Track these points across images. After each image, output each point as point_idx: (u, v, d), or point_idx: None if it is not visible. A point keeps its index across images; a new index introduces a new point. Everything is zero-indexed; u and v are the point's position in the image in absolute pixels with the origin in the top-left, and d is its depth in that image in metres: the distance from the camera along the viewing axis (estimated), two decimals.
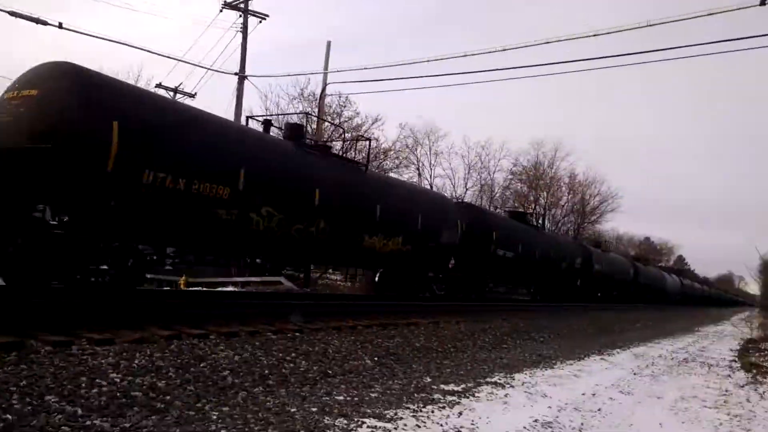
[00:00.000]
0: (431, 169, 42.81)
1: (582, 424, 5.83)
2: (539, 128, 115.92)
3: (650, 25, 15.86)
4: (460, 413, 5.72)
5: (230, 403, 5.18)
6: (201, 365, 5.99)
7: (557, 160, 49.13)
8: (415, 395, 6.29)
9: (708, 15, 14.31)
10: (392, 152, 33.66)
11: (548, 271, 28.26)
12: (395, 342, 9.18)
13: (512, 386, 7.37)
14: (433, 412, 5.68)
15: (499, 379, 7.74)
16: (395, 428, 5.00)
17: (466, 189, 43.99)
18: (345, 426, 4.88)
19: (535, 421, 5.75)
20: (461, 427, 5.26)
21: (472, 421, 5.50)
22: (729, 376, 10.24)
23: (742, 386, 9.06)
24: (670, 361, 11.99)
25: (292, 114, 27.75)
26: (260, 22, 25.97)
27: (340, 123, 28.90)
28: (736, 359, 13.44)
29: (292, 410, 5.18)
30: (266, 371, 6.29)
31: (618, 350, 12.91)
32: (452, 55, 20.37)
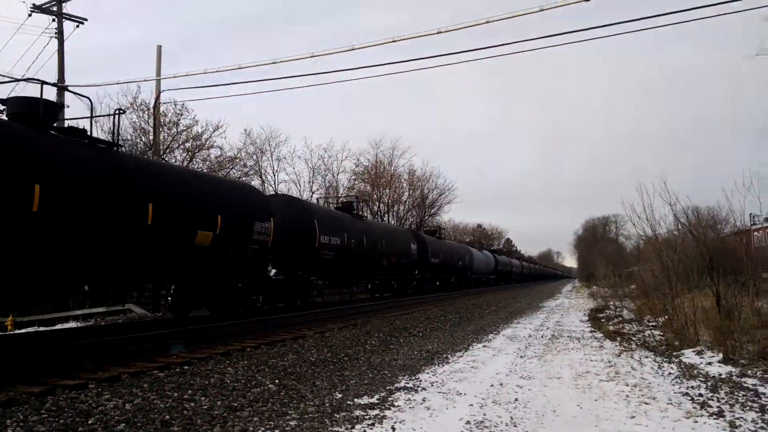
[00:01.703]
0: (275, 175, 41.89)
1: (511, 417, 5.78)
2: (379, 126, 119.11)
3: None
4: (393, 428, 5.40)
5: None
6: (90, 422, 5.05)
7: (396, 158, 50.52)
8: (336, 416, 5.86)
9: (539, 11, 15.24)
10: (238, 160, 32.29)
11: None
12: (290, 360, 8.61)
13: (424, 389, 7.19)
14: (365, 430, 5.30)
15: (407, 383, 7.54)
16: None
17: (312, 192, 43.63)
18: None
19: (467, 423, 5.59)
20: None
21: None
22: (601, 347, 10.98)
23: (619, 355, 9.73)
24: (542, 339, 12.64)
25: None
26: (77, 27, 23.57)
27: (178, 132, 27.13)
28: (594, 329, 14.57)
29: None
30: (167, 416, 5.48)
31: (491, 335, 13.39)
32: (296, 57, 19.90)
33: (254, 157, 37.71)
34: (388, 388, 7.25)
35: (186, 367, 7.50)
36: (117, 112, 11.89)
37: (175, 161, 27.26)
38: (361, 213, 26.69)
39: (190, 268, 12.72)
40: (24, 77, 21.02)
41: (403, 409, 6.14)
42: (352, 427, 5.42)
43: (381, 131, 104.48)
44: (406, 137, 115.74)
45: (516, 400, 6.59)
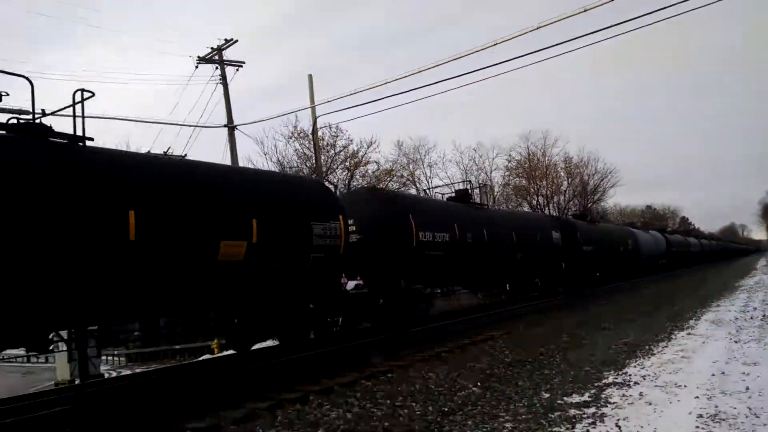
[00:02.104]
0: (428, 181, 42.36)
1: (749, 408, 5.25)
2: (527, 120, 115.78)
3: None
4: (618, 425, 5.13)
5: None
6: None
7: (548, 147, 48.83)
8: (551, 415, 5.70)
9: None
10: (394, 172, 33.14)
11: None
12: (486, 362, 8.57)
13: (637, 383, 6.79)
14: (588, 430, 5.09)
15: (616, 378, 7.17)
16: None
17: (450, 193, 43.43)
18: None
19: (699, 416, 5.17)
20: None
21: (638, 431, 4.91)
22: None
23: None
24: (753, 321, 11.45)
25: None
26: (237, 70, 25.58)
27: (336, 153, 28.46)
28: None
29: None
30: (386, 423, 5.67)
31: (691, 321, 12.39)
32: (444, 61, 19.98)
33: (409, 167, 38.42)
34: (595, 384, 6.95)
35: (390, 375, 7.75)
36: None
37: (337, 180, 28.60)
38: (481, 202, 21.26)
39: (214, 291, 9.43)
40: (200, 124, 23.24)
41: (621, 406, 5.83)
42: (572, 427, 5.24)
43: (529, 125, 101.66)
44: (557, 127, 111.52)
45: (747, 389, 5.99)
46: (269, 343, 12.58)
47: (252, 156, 52.40)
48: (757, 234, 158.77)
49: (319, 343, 11.15)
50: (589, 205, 50.64)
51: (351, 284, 13.52)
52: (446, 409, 6.17)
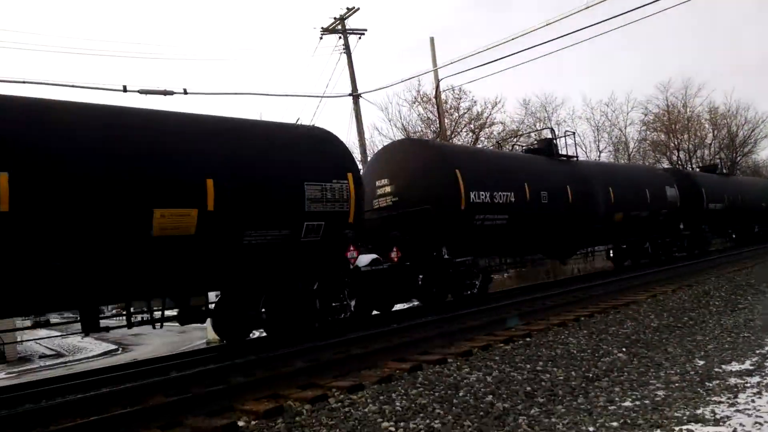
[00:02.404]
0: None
1: None
2: (664, 70, 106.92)
3: None
4: None
5: None
6: (460, 394, 5.37)
7: (690, 98, 45.05)
8: (708, 384, 5.31)
9: None
10: (521, 132, 32.22)
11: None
12: (630, 327, 8.17)
13: None
14: (753, 401, 4.69)
15: None
16: (734, 431, 4.08)
17: (600, 152, 41.38)
18: None
19: None
20: None
21: None
22: None
23: None
24: None
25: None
26: (360, 38, 25.81)
27: (460, 116, 28.10)
28: None
29: (591, 430, 4.42)
30: (528, 388, 5.57)
31: None
32: (567, 14, 18.93)
33: (536, 126, 37.13)
34: (758, 352, 6.39)
35: (528, 339, 7.62)
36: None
37: (461, 142, 28.28)
38: (568, 153, 17.83)
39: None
40: (326, 94, 23.82)
41: None
42: (735, 397, 4.84)
43: (668, 73, 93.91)
44: (699, 75, 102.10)
45: None
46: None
47: (377, 123, 53.05)
48: None
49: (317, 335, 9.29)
50: (738, 158, 46.44)
51: (365, 259, 11.09)
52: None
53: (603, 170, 19.74)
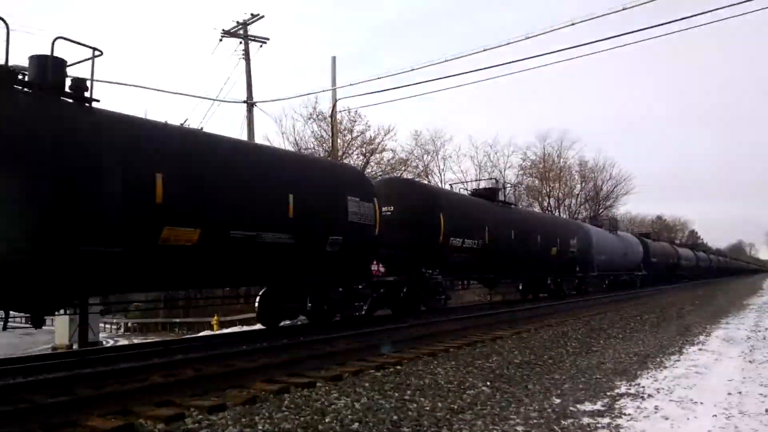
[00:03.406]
0: (441, 174, 42.17)
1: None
2: (543, 121, 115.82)
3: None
4: None
5: None
6: (326, 420, 5.23)
7: (564, 149, 48.57)
8: (563, 422, 5.55)
9: None
10: (409, 162, 32.95)
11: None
12: (495, 361, 8.42)
13: (651, 395, 6.63)
14: None
15: (629, 389, 7.01)
16: None
17: (478, 189, 43.18)
18: None
19: None
20: None
21: None
22: None
23: None
24: (765, 341, 11.27)
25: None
26: (261, 46, 25.41)
27: (353, 138, 28.28)
28: None
29: None
30: (394, 416, 5.53)
31: (701, 336, 12.22)
32: (465, 54, 19.76)
33: (424, 158, 38.21)
34: (608, 393, 6.79)
35: (398, 367, 7.63)
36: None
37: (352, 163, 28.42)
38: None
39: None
40: (219, 98, 23.09)
41: (636, 418, 5.67)
42: None
43: (547, 124, 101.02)
44: (575, 128, 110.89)
45: (767, 411, 5.81)
46: None
47: (270, 134, 52.05)
48: (765, 254, 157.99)
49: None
50: (601, 211, 50.34)
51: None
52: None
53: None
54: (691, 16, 15.79)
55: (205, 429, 4.79)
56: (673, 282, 45.04)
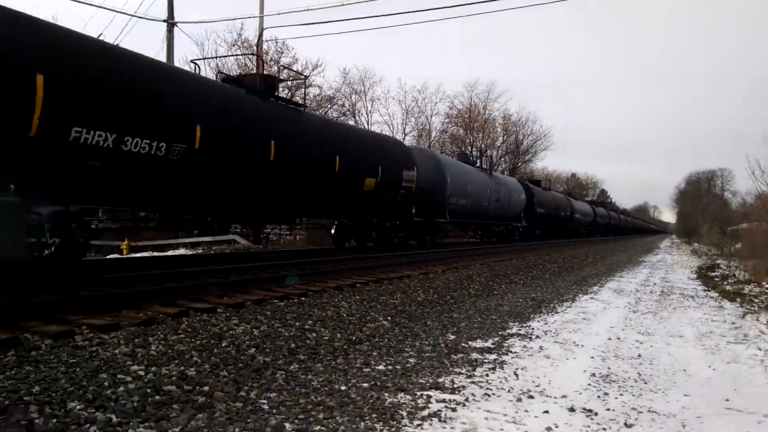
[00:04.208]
0: (368, 115, 41.88)
1: (639, 373, 5.55)
2: (473, 70, 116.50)
3: None
4: (516, 373, 5.31)
5: (273, 386, 4.52)
6: (223, 344, 5.26)
7: (490, 102, 49.20)
8: (453, 357, 5.84)
9: None
10: (336, 100, 32.42)
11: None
12: (399, 298, 8.67)
13: (538, 337, 7.05)
14: (487, 375, 5.23)
15: (519, 330, 7.43)
16: (465, 399, 4.51)
17: (405, 134, 43.40)
18: (413, 403, 4.34)
19: (593, 375, 5.41)
20: (528, 390, 4.84)
21: (533, 381, 5.10)
22: (720, 307, 10.38)
23: (743, 317, 9.15)
24: (651, 294, 12.12)
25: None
26: None
27: (278, 70, 27.38)
28: (707, 288, 13.82)
29: (342, 388, 4.60)
30: (292, 344, 5.64)
31: (596, 287, 12.99)
32: None
33: (351, 97, 37.71)
34: (499, 333, 7.17)
35: (303, 299, 7.72)
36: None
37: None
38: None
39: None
40: (138, 14, 21.68)
41: (521, 356, 6.03)
42: (473, 370, 5.37)
43: (476, 74, 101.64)
44: (503, 80, 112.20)
45: (639, 356, 6.32)
46: None
47: (189, 57, 49.62)
48: (666, 216, 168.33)
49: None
50: (519, 164, 51.77)
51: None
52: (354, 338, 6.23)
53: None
54: None
55: (96, 347, 4.71)
56: (563, 237, 41.65)
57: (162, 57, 22.70)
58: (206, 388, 4.28)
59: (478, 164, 28.78)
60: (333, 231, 18.45)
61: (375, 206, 16.83)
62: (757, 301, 11.00)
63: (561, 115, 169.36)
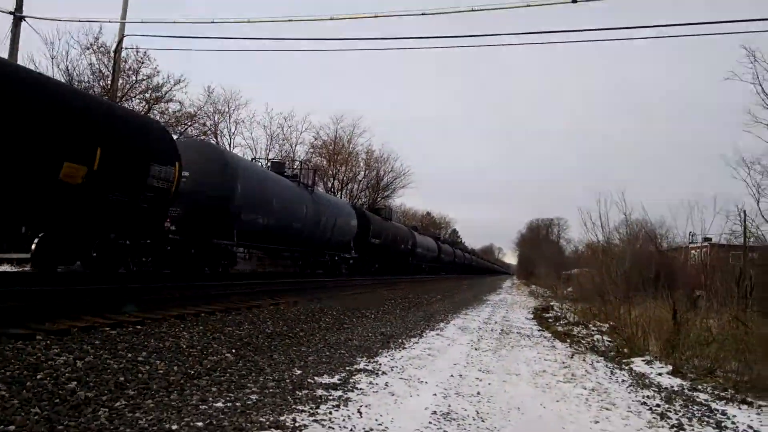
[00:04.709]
0: (231, 138, 40.86)
1: (477, 411, 5.69)
2: (341, 103, 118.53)
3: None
4: (359, 411, 5.23)
5: (91, 426, 4.07)
6: (38, 377, 4.68)
7: (355, 136, 50.10)
8: (298, 393, 5.65)
9: (525, 6, 15.13)
10: (197, 118, 31.24)
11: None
12: (246, 330, 8.32)
13: (385, 373, 7.06)
14: (331, 413, 5.10)
15: (367, 365, 7.40)
16: None
17: (268, 160, 42.72)
18: None
19: (433, 413, 5.47)
20: (371, 429, 4.78)
21: (377, 419, 5.05)
22: (553, 347, 11.09)
23: (572, 357, 9.83)
24: (492, 333, 12.71)
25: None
26: None
27: (137, 81, 25.94)
28: (541, 329, 14.77)
29: (173, 428, 4.25)
30: (121, 378, 5.15)
31: (442, 323, 13.40)
32: (273, 19, 19.24)
33: (214, 117, 36.60)
34: (347, 368, 7.09)
35: (139, 327, 7.13)
36: None
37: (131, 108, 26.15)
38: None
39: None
40: None
41: (366, 393, 5.97)
42: (317, 407, 5.22)
43: (342, 108, 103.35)
44: (367, 117, 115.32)
45: (478, 393, 6.52)
46: None
47: (37, 56, 45.76)
48: (509, 258, 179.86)
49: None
50: (379, 199, 52.94)
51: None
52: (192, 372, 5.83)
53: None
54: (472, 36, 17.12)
55: None
56: (402, 273, 39.08)
57: (4, 52, 20.63)
58: (12, 427, 3.75)
59: (299, 179, 22.71)
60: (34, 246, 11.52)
61: (91, 212, 10.68)
62: (584, 342, 11.93)
63: (421, 155, 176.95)
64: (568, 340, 11.90)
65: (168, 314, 8.13)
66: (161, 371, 5.63)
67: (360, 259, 29.42)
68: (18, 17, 20.60)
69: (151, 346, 6.32)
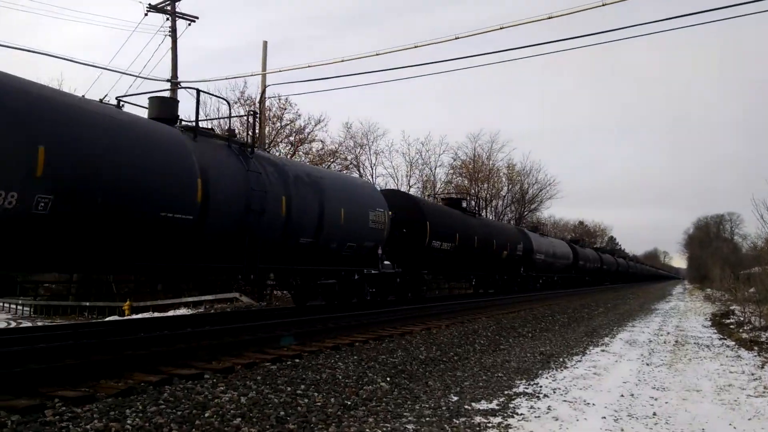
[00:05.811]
0: (373, 168, 42.05)
1: None
2: (477, 121, 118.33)
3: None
4: None
5: None
6: (206, 415, 4.92)
7: (494, 152, 49.37)
8: (455, 421, 5.45)
9: None
10: (339, 153, 32.60)
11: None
12: (399, 357, 8.29)
13: (546, 396, 6.65)
14: None
15: (526, 388, 7.02)
16: None
17: (409, 186, 43.45)
18: None
19: None
20: None
21: None
22: (738, 356, 9.92)
23: (762, 367, 8.70)
24: (665, 345, 11.65)
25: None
26: (189, 24, 24.47)
27: (282, 126, 27.65)
28: (723, 337, 13.32)
29: None
30: (281, 412, 5.28)
31: (607, 338, 12.52)
32: (398, 48, 19.57)
33: (354, 151, 37.93)
34: (506, 392, 6.77)
35: (297, 360, 7.36)
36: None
37: (279, 154, 27.85)
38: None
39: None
40: (142, 75, 22.04)
41: (528, 418, 5.64)
42: None
43: (480, 125, 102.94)
44: (506, 132, 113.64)
45: (654, 414, 5.91)
46: None
47: (191, 116, 50.36)
48: (677, 262, 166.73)
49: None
50: (525, 213, 51.55)
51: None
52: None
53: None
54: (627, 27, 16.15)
55: (67, 422, 4.39)
56: (568, 286, 42.32)
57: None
58: None
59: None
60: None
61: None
62: None
63: (567, 163, 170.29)
64: (756, 348, 10.57)
65: (324, 345, 8.32)
66: (319, 403, 5.71)
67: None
68: (174, 84, 22.86)
69: (309, 379, 6.46)
